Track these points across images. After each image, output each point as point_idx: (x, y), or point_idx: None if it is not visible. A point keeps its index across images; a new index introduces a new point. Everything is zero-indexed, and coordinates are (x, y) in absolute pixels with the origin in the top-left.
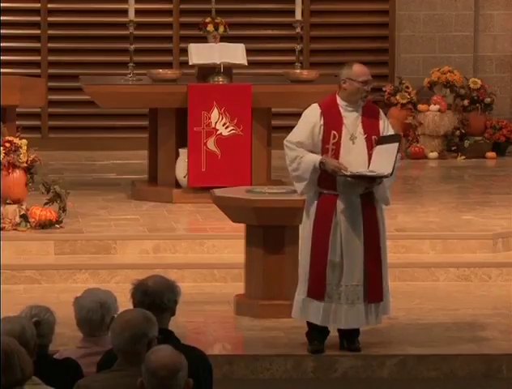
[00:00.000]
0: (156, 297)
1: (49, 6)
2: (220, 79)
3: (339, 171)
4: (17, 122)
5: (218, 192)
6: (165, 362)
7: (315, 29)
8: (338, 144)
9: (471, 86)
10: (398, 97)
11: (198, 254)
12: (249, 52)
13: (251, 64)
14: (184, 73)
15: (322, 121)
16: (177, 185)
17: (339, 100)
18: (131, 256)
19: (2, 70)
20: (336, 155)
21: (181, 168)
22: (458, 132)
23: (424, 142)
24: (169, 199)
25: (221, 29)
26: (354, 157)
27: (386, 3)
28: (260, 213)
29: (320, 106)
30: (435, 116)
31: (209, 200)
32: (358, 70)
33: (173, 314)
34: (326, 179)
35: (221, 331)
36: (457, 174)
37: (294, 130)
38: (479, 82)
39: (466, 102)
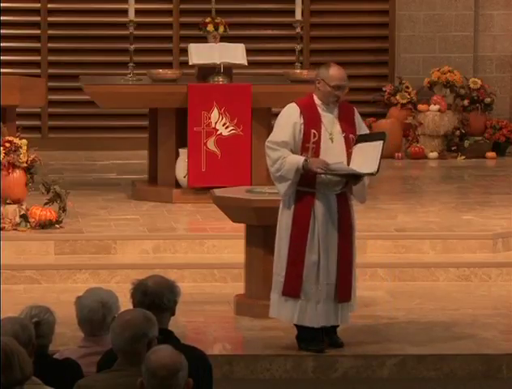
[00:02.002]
0: (156, 297)
1: (49, 6)
2: (220, 79)
3: (325, 168)
4: (17, 122)
5: (218, 192)
6: (165, 362)
7: (315, 29)
8: (318, 143)
9: (471, 86)
10: (398, 97)
11: (198, 254)
12: (249, 52)
13: (251, 64)
14: (184, 73)
15: (301, 120)
16: (177, 185)
17: (316, 99)
18: (131, 256)
19: (2, 70)
20: (316, 154)
21: (181, 168)
22: (458, 132)
23: (424, 142)
24: (169, 199)
25: (221, 29)
26: (333, 156)
27: (386, 3)
28: (260, 213)
29: (298, 105)
30: (435, 116)
31: (209, 200)
32: (333, 74)
33: (173, 313)
34: (304, 177)
35: (221, 331)
36: (457, 174)
37: (275, 130)
38: (479, 82)
39: (466, 102)
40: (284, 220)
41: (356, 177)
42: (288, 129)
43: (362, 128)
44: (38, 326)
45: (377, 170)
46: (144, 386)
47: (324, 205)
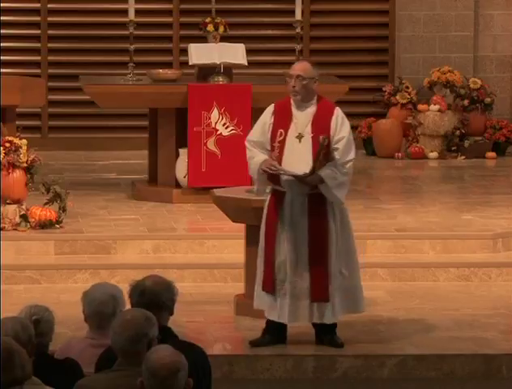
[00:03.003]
0: (154, 297)
1: (49, 6)
2: (220, 79)
3: (272, 168)
4: (17, 122)
5: (218, 192)
6: (165, 362)
7: (315, 29)
8: (282, 143)
9: (471, 86)
10: (398, 97)
11: (198, 254)
12: (249, 52)
13: (251, 64)
14: (184, 73)
15: (271, 120)
16: (177, 185)
17: (292, 99)
18: (131, 256)
19: (2, 70)
20: (281, 153)
21: (181, 168)
22: (458, 132)
23: (424, 142)
24: (169, 199)
25: (221, 29)
26: (298, 156)
27: (386, 3)
28: (260, 213)
29: (275, 105)
30: (435, 116)
31: (209, 200)
32: (293, 66)
33: (171, 313)
34: (274, 176)
35: (221, 331)
36: (457, 174)
37: (252, 130)
38: (479, 82)
39: (466, 102)
40: (264, 217)
41: (299, 179)
42: (259, 128)
43: (340, 131)
44: (38, 324)
45: (310, 173)
46: (144, 386)
47: (294, 205)
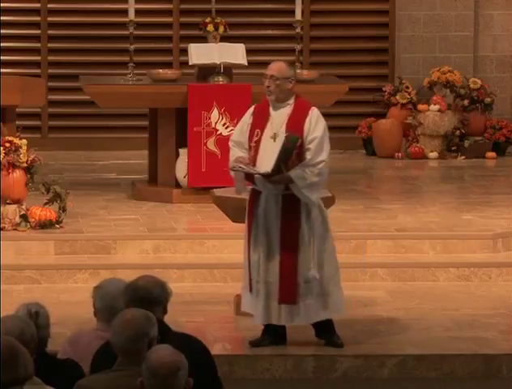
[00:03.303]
0: (146, 292)
1: (49, 6)
2: (220, 79)
3: (236, 166)
4: (17, 122)
5: (218, 192)
6: (165, 361)
7: (315, 29)
8: (258, 142)
9: (471, 86)
10: (398, 97)
11: (198, 254)
12: (249, 52)
13: (251, 64)
14: (184, 73)
15: (250, 120)
16: (177, 185)
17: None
18: (131, 256)
19: (2, 70)
20: (256, 153)
21: (181, 168)
22: (458, 132)
23: (424, 142)
24: (169, 199)
25: (221, 29)
26: (272, 155)
27: (386, 3)
28: None
29: (255, 106)
30: (435, 116)
31: (209, 200)
32: (269, 65)
33: (165, 311)
34: (250, 174)
35: (221, 331)
36: (457, 174)
37: None
38: (479, 82)
39: (466, 102)
40: (245, 217)
41: (264, 177)
42: (239, 128)
43: (313, 132)
44: (37, 316)
45: (272, 172)
46: (144, 385)
47: (269, 205)
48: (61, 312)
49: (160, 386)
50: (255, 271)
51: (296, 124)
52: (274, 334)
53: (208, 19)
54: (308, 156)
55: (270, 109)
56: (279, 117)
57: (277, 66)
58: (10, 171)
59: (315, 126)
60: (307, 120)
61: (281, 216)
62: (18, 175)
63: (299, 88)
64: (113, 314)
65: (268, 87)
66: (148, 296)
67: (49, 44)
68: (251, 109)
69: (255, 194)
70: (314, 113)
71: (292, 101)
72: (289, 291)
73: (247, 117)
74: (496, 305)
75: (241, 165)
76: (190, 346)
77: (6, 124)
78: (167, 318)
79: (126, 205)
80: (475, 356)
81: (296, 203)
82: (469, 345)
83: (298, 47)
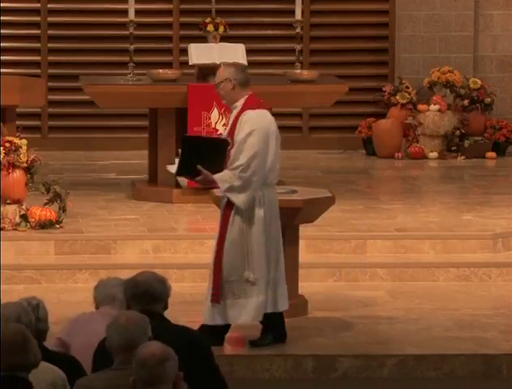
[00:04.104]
0: (148, 287)
1: (49, 6)
2: None
3: None
4: (17, 122)
5: (218, 192)
6: (153, 352)
7: (315, 29)
8: None
9: (471, 86)
10: (398, 97)
11: (198, 254)
12: (249, 52)
13: (251, 64)
14: (184, 73)
15: None
16: (177, 185)
17: None
18: (131, 256)
19: (2, 70)
20: None
21: None
22: (458, 132)
23: (424, 142)
24: (169, 199)
25: (221, 29)
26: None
27: (386, 3)
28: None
29: None
30: (435, 116)
31: (209, 200)
32: None
33: (166, 306)
34: None
35: None
36: (457, 174)
37: None
38: (479, 82)
39: (466, 102)
40: None
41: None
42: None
43: (237, 135)
44: (37, 308)
45: (176, 172)
46: (136, 383)
47: (220, 206)
48: (61, 312)
49: (148, 376)
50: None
51: (232, 126)
52: (273, 331)
53: (208, 19)
54: (230, 159)
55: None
56: (231, 120)
57: (218, 73)
58: (10, 171)
59: (241, 129)
60: (237, 124)
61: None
62: (18, 175)
63: (299, 88)
64: (113, 301)
65: (219, 94)
66: (150, 292)
67: (49, 44)
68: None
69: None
70: (244, 117)
71: (240, 103)
72: (214, 291)
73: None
74: (496, 305)
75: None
76: (187, 337)
77: (6, 124)
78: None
79: (126, 205)
80: (475, 356)
81: (228, 206)
82: (469, 345)
83: (298, 47)
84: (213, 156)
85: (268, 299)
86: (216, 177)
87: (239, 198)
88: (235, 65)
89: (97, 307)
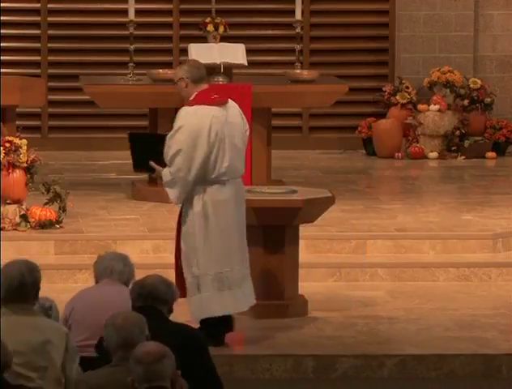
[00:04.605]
0: (153, 289)
1: (49, 6)
2: (220, 79)
3: None
4: (17, 122)
5: None
6: (150, 349)
7: (315, 29)
8: None
9: (471, 86)
10: (398, 97)
11: None
12: (249, 52)
13: (251, 64)
14: None
15: None
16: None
17: None
18: (131, 256)
19: (2, 70)
20: None
21: None
22: (458, 132)
23: (424, 142)
24: (169, 199)
25: (221, 29)
26: None
27: (386, 3)
28: (260, 213)
29: None
30: (435, 116)
31: None
32: None
33: (171, 310)
34: None
35: None
36: (457, 174)
37: None
38: (479, 82)
39: (466, 102)
40: None
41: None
42: None
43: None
44: (50, 309)
45: (133, 167)
46: (134, 382)
47: None
48: (60, 312)
49: (145, 373)
50: None
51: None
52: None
53: (208, 19)
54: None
55: None
56: None
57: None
58: (10, 171)
59: (174, 125)
60: None
61: None
62: (18, 175)
63: (299, 88)
64: (112, 273)
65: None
66: (154, 293)
67: (49, 44)
68: None
69: None
70: (178, 113)
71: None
72: (178, 285)
73: None
74: (496, 305)
75: None
76: (185, 333)
77: (6, 124)
78: None
79: (126, 205)
80: (474, 356)
81: (185, 203)
82: (469, 345)
83: (298, 47)
84: (160, 151)
85: (225, 297)
86: (161, 172)
87: (172, 194)
88: (189, 63)
89: (97, 282)
